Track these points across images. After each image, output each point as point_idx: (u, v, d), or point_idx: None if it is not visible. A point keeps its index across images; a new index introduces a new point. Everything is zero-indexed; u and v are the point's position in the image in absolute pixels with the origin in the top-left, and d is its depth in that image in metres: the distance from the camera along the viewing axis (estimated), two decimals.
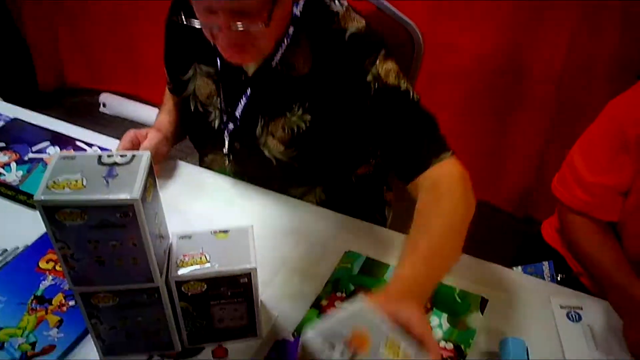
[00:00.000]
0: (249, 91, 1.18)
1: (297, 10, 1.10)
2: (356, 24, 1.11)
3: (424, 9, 1.99)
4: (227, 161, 1.28)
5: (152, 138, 1.25)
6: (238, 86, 1.19)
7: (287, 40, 1.11)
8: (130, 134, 1.25)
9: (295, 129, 1.16)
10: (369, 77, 1.07)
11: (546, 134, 2.18)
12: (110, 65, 2.98)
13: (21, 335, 0.95)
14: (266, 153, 1.20)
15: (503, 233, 2.33)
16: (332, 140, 1.19)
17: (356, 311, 0.78)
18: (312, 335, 0.74)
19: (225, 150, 1.26)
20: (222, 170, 1.32)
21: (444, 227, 0.95)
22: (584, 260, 1.19)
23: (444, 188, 1.01)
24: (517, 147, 2.28)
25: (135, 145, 1.24)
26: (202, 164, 1.39)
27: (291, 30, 1.11)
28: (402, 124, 1.08)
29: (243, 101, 1.19)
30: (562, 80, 2.04)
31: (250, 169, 1.28)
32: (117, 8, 2.73)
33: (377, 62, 1.08)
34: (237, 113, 1.20)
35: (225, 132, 1.23)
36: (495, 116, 2.25)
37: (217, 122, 1.25)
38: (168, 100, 1.40)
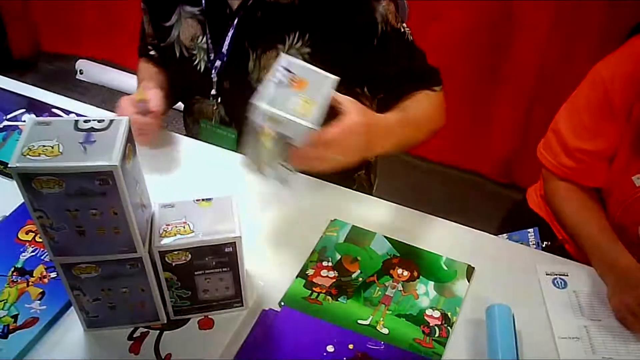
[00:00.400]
0: (235, 23, 1.16)
1: None
2: None
3: None
4: (215, 105, 1.25)
5: (157, 92, 1.18)
6: (223, 21, 1.17)
7: None
8: (125, 99, 1.18)
9: None
10: (377, 16, 1.11)
11: (530, 101, 2.17)
12: (87, 30, 2.90)
13: (2, 308, 0.92)
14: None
15: (488, 200, 2.33)
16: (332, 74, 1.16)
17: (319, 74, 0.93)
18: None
19: (213, 91, 1.23)
20: (208, 122, 1.29)
21: (422, 118, 1.16)
22: (568, 227, 1.19)
23: (431, 101, 1.20)
24: (501, 115, 2.27)
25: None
26: (189, 117, 1.35)
27: None
28: (402, 63, 1.18)
29: (230, 35, 1.17)
30: (547, 47, 2.03)
31: (241, 111, 1.24)
32: None
33: (383, 1, 1.11)
34: (225, 48, 1.18)
35: (213, 71, 1.21)
36: (478, 84, 2.24)
37: (202, 65, 1.22)
38: (146, 70, 1.36)
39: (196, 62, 1.23)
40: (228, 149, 1.26)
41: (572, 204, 1.19)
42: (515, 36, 2.06)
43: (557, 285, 1.02)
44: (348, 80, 1.16)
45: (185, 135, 1.35)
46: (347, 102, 0.94)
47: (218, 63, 1.20)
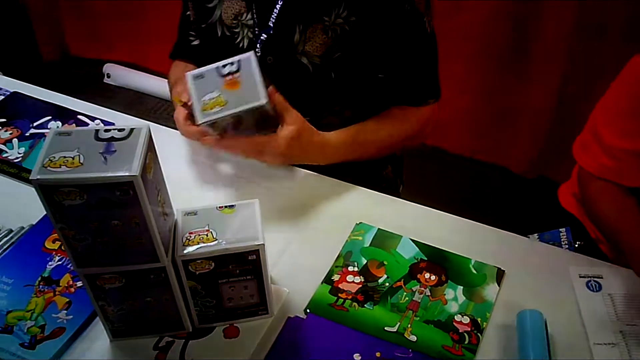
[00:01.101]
0: None
1: None
2: None
3: None
4: None
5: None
6: None
7: None
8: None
9: (339, 30, 1.17)
10: None
11: (557, 93, 2.12)
12: (114, 34, 2.92)
13: (30, 319, 0.93)
14: (304, 61, 1.20)
15: (517, 196, 2.29)
16: (372, 44, 1.20)
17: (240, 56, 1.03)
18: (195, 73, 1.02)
19: None
20: None
21: (381, 141, 1.26)
22: (606, 228, 1.15)
23: (406, 124, 1.27)
24: (528, 107, 2.22)
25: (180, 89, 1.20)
26: None
27: None
28: (411, 52, 1.22)
29: (277, 8, 1.19)
30: (574, 37, 1.98)
31: (281, 88, 1.25)
32: None
33: None
34: (271, 22, 1.20)
35: (258, 45, 1.22)
36: (505, 76, 2.20)
37: (246, 41, 1.24)
38: (178, 70, 1.36)
39: (239, 39, 1.24)
40: None
41: (612, 206, 1.14)
42: (541, 26, 2.02)
43: (591, 288, 0.99)
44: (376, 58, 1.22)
45: None
46: (289, 115, 1.08)
47: (263, 36, 1.21)
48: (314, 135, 1.15)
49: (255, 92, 1.00)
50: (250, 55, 1.02)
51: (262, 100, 0.99)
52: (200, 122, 1.01)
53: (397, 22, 1.18)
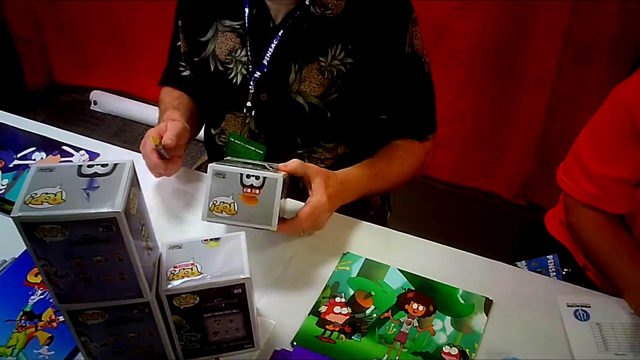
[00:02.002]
0: (279, 35, 1.18)
1: None
2: None
3: None
4: (247, 118, 1.25)
5: (175, 124, 1.17)
6: (266, 33, 1.19)
7: None
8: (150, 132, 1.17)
9: (335, 72, 1.18)
10: (408, 37, 1.18)
11: (545, 117, 2.14)
12: (100, 62, 2.92)
13: (11, 355, 0.91)
14: (300, 100, 1.20)
15: (505, 222, 2.29)
16: (369, 86, 1.21)
17: (269, 175, 0.98)
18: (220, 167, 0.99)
19: (248, 104, 1.24)
20: (237, 135, 1.28)
21: (396, 173, 1.26)
22: (593, 255, 1.15)
23: (413, 156, 1.29)
24: (516, 132, 2.24)
25: (160, 131, 1.15)
26: (214, 132, 1.34)
27: None
28: (413, 94, 1.25)
29: (272, 46, 1.19)
30: (561, 62, 2.00)
31: (275, 125, 1.26)
32: (105, 3, 2.67)
33: (416, 24, 1.19)
34: (265, 60, 1.20)
35: (251, 81, 1.22)
36: (492, 100, 2.21)
37: (239, 77, 1.23)
38: (168, 98, 1.36)
39: (232, 75, 1.24)
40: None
41: (597, 231, 1.15)
42: (529, 51, 2.04)
43: (579, 318, 0.98)
44: (374, 98, 1.24)
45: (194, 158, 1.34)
46: (314, 178, 1.07)
47: (257, 74, 1.21)
48: (337, 176, 1.14)
49: (269, 217, 0.98)
50: (279, 178, 0.98)
51: (273, 227, 0.98)
52: (204, 219, 0.99)
53: (397, 66, 1.20)
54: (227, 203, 0.98)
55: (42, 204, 0.70)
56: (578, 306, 1.00)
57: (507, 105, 2.19)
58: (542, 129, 2.16)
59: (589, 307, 1.00)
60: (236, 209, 0.98)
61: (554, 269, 1.25)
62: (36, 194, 0.71)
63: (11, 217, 0.68)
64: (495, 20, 2.01)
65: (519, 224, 2.17)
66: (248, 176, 0.98)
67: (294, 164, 1.06)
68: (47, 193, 0.71)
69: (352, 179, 1.18)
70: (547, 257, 1.27)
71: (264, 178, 0.98)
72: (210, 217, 0.99)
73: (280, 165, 1.06)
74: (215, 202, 0.98)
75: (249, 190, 0.98)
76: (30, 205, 0.69)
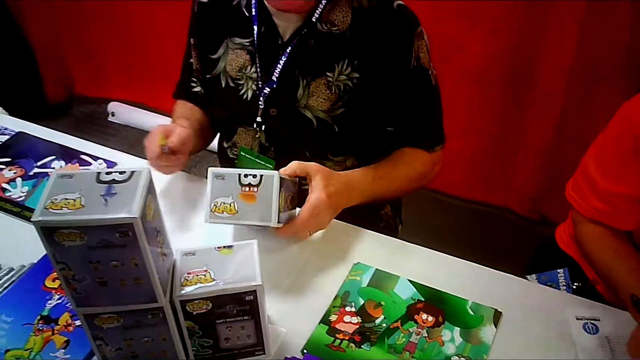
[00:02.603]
0: (288, 51, 1.21)
1: None
2: None
3: (429, 8, 1.97)
4: (257, 133, 1.28)
5: (183, 130, 1.20)
6: (275, 50, 1.22)
7: None
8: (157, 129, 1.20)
9: (342, 87, 1.20)
10: (414, 51, 1.20)
11: (557, 133, 2.15)
12: (119, 74, 2.98)
13: (28, 357, 0.93)
14: (308, 115, 1.22)
15: (517, 236, 2.29)
16: (376, 100, 1.23)
17: (265, 172, 1.00)
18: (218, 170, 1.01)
19: (258, 119, 1.26)
20: (247, 149, 1.31)
21: (402, 176, 1.27)
22: (600, 271, 1.16)
23: (419, 162, 1.30)
24: (528, 147, 2.24)
25: (167, 132, 1.18)
26: (227, 145, 1.37)
27: None
28: (419, 105, 1.27)
29: (281, 63, 1.22)
30: (572, 78, 2.01)
31: (284, 139, 1.28)
32: (124, 16, 2.73)
33: (422, 38, 1.21)
34: (275, 76, 1.22)
35: (261, 97, 1.24)
36: (504, 116, 2.23)
37: (250, 93, 1.26)
38: (181, 109, 1.39)
39: (243, 91, 1.27)
40: None
41: (604, 248, 1.15)
42: (539, 68, 2.05)
43: (588, 331, 0.99)
44: (381, 111, 1.26)
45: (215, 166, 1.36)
46: (314, 176, 1.09)
47: (267, 90, 1.24)
48: (339, 175, 1.16)
49: (268, 213, 1.00)
50: (274, 175, 1.01)
51: (272, 223, 1.00)
52: (207, 221, 1.02)
53: (403, 79, 1.22)
54: (227, 203, 1.01)
55: (61, 209, 0.72)
56: (587, 319, 1.01)
57: (518, 120, 2.20)
58: (553, 144, 2.16)
59: (599, 320, 1.00)
60: (236, 209, 1.01)
61: (564, 283, 1.25)
62: (56, 199, 0.73)
63: (32, 221, 0.71)
64: (505, 37, 2.03)
65: (530, 238, 2.16)
66: (246, 175, 1.01)
67: (293, 165, 1.09)
68: (66, 199, 0.73)
69: (356, 179, 1.19)
70: (558, 270, 1.28)
71: (261, 176, 1.00)
72: (213, 218, 1.01)
73: (281, 169, 1.08)
74: (216, 204, 1.01)
75: (247, 188, 1.00)
76: (50, 210, 0.72)
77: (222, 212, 1.01)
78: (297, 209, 1.14)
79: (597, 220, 1.16)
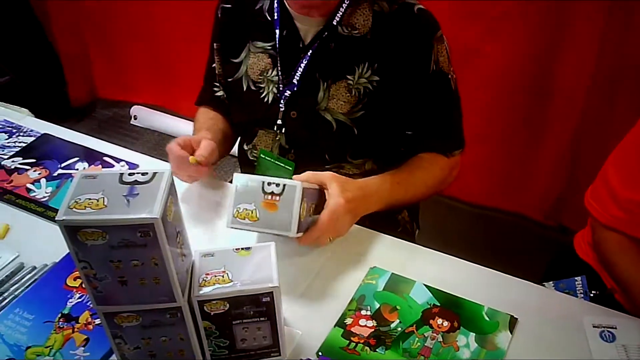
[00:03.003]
0: (309, 54, 1.22)
1: None
2: None
3: (448, 13, 1.97)
4: (277, 135, 1.29)
5: (209, 144, 1.22)
6: (296, 53, 1.24)
7: (347, 1, 1.19)
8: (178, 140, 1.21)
9: (362, 90, 1.21)
10: (434, 54, 1.20)
11: (577, 140, 2.12)
12: (142, 79, 3.02)
13: (48, 354, 0.95)
14: (328, 117, 1.24)
15: (534, 243, 2.27)
16: (396, 104, 1.23)
17: (288, 182, 1.01)
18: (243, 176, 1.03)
19: (279, 121, 1.28)
20: (267, 152, 1.32)
21: (420, 182, 1.27)
22: (618, 278, 1.15)
23: (437, 168, 1.30)
24: (547, 154, 2.23)
25: (187, 147, 1.20)
26: (247, 147, 1.39)
27: None
28: (438, 109, 1.27)
29: (302, 66, 1.23)
30: (592, 85, 1.99)
31: (304, 142, 1.30)
32: (148, 21, 2.77)
33: (442, 42, 1.22)
34: (295, 79, 1.24)
35: (282, 101, 1.26)
36: (522, 122, 2.21)
37: (271, 96, 1.28)
38: (204, 117, 1.41)
39: (264, 94, 1.29)
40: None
41: (623, 256, 1.15)
42: (559, 74, 2.04)
43: (605, 339, 0.98)
44: (400, 115, 1.26)
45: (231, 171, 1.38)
46: (330, 184, 1.10)
47: (287, 93, 1.26)
48: (355, 182, 1.17)
49: (288, 223, 1.01)
50: (297, 185, 1.01)
51: (292, 233, 1.01)
52: (228, 226, 1.04)
53: (423, 83, 1.23)
54: (249, 210, 1.02)
55: (85, 209, 0.74)
56: (604, 327, 1.00)
57: (537, 127, 2.18)
58: (572, 151, 2.15)
59: (615, 328, 1.00)
60: (258, 216, 1.01)
61: (581, 291, 1.25)
62: (80, 199, 0.75)
63: (56, 220, 0.73)
64: (525, 42, 2.02)
65: (546, 246, 2.15)
66: (269, 184, 1.01)
67: (306, 174, 1.09)
68: (90, 199, 0.75)
69: (372, 186, 1.20)
70: (575, 278, 1.27)
71: (284, 185, 1.01)
72: (234, 223, 1.03)
73: (295, 176, 1.09)
74: (239, 209, 1.02)
75: (269, 197, 1.01)
76: (74, 209, 0.74)
77: (244, 219, 1.02)
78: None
79: (616, 228, 1.15)
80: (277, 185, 1.01)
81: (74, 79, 3.05)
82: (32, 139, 1.45)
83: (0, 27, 2.76)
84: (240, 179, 1.03)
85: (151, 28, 2.79)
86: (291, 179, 1.07)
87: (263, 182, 1.01)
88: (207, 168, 1.20)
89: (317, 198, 1.11)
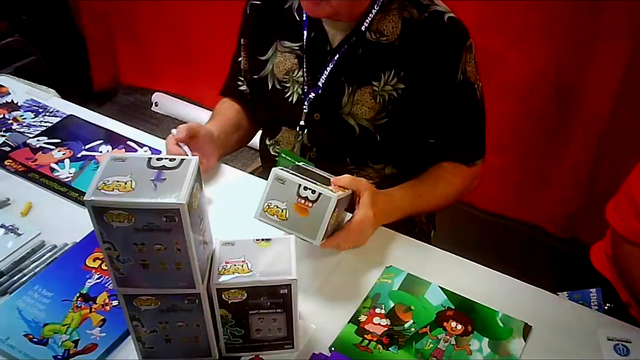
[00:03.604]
0: (336, 58, 1.22)
1: None
2: (444, 7, 1.21)
3: (475, 22, 1.96)
4: (300, 135, 1.30)
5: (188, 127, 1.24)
6: (323, 56, 1.24)
7: (376, 7, 1.18)
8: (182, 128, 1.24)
9: (387, 97, 1.21)
10: (461, 65, 1.19)
11: (595, 154, 2.11)
12: (165, 67, 3.04)
13: (65, 332, 0.97)
14: (351, 122, 1.24)
15: (549, 255, 2.27)
16: (420, 112, 1.23)
17: (324, 192, 0.99)
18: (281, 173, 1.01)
19: (302, 122, 1.28)
20: (288, 152, 1.33)
21: (441, 194, 1.28)
22: (636, 290, 1.15)
23: (459, 179, 1.30)
24: (566, 167, 2.21)
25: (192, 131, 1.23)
26: (269, 143, 1.40)
27: None
28: (463, 118, 1.27)
29: (328, 69, 1.23)
30: (617, 99, 1.97)
31: (326, 143, 1.30)
32: (174, 11, 2.79)
33: (470, 51, 1.21)
34: (321, 82, 1.24)
35: (306, 102, 1.26)
36: (543, 134, 2.20)
37: (295, 97, 1.28)
38: (218, 110, 1.43)
39: (288, 94, 1.29)
40: None
41: None
42: (583, 87, 2.02)
43: (619, 352, 0.98)
44: (424, 123, 1.26)
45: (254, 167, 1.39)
46: (363, 193, 1.09)
47: (312, 95, 1.26)
48: (383, 194, 1.17)
49: (316, 231, 1.00)
50: (332, 197, 0.99)
51: (317, 242, 1.00)
52: (256, 217, 1.03)
53: (449, 92, 1.22)
54: (280, 208, 1.01)
55: (113, 191, 0.75)
56: (619, 340, 1.00)
57: (558, 139, 2.17)
58: (592, 164, 2.13)
59: (630, 342, 0.99)
60: (287, 216, 1.01)
61: (596, 303, 1.24)
62: (108, 180, 0.76)
63: (84, 200, 0.74)
64: (551, 54, 2.01)
65: (561, 258, 2.15)
66: (305, 188, 1.00)
67: (346, 179, 1.09)
68: (118, 181, 0.76)
69: (396, 198, 1.20)
70: (590, 290, 1.27)
71: (320, 194, 1.00)
72: (262, 216, 1.03)
73: (333, 179, 1.09)
74: (270, 204, 1.02)
75: (302, 201, 1.00)
76: (102, 191, 0.75)
77: (273, 215, 1.01)
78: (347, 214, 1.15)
79: (635, 241, 1.14)
80: (313, 192, 1.00)
81: (98, 63, 3.08)
82: (58, 119, 1.46)
83: (31, 10, 2.79)
84: (278, 175, 1.02)
85: (177, 18, 2.81)
86: (329, 182, 1.07)
87: (299, 186, 1.00)
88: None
89: (347, 202, 1.11)
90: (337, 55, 1.22)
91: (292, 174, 1.02)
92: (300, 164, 1.29)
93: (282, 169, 1.03)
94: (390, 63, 1.21)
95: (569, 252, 2.25)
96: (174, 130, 1.24)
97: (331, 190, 1.01)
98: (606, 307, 1.25)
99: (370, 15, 1.19)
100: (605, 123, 2.03)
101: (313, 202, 1.00)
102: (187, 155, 1.18)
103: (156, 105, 3.08)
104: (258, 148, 1.48)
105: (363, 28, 1.19)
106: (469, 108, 1.27)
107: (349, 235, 1.08)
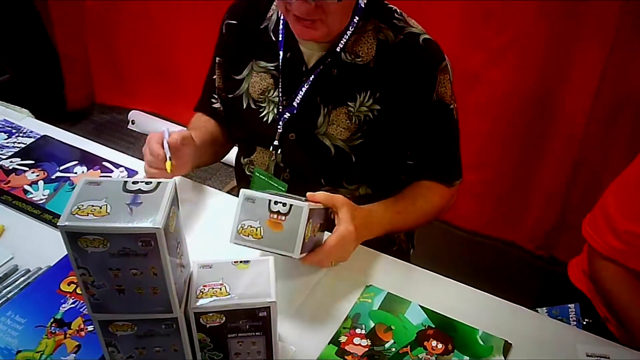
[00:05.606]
0: (311, 78, 1.22)
1: (362, 2, 1.19)
2: (420, 28, 1.22)
3: (450, 39, 1.98)
4: (274, 156, 1.29)
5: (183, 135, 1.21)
6: (298, 76, 1.24)
7: (352, 28, 1.19)
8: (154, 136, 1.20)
9: (362, 118, 1.21)
10: (437, 85, 1.20)
11: (572, 171, 2.13)
12: (141, 85, 3.02)
13: (39, 359, 0.94)
14: (326, 142, 1.23)
15: (525, 272, 2.28)
16: (395, 133, 1.23)
17: (295, 202, 0.99)
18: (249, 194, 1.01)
19: (275, 142, 1.27)
20: (262, 171, 1.32)
21: (420, 212, 1.28)
22: (615, 308, 1.16)
23: (437, 197, 1.31)
24: (542, 186, 2.23)
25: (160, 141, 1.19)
26: (243, 163, 1.39)
27: (356, 19, 1.19)
28: (439, 140, 1.28)
29: (304, 89, 1.23)
30: (591, 117, 2.00)
31: (300, 163, 1.29)
32: (149, 29, 2.78)
33: (446, 72, 1.21)
34: (296, 102, 1.23)
35: (280, 122, 1.26)
36: (519, 151, 2.22)
37: (270, 116, 1.28)
38: (195, 122, 1.43)
39: (263, 113, 1.29)
40: None
41: (619, 285, 1.15)
42: (559, 104, 2.05)
43: None
44: (399, 144, 1.26)
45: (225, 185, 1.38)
46: (341, 208, 1.09)
47: (287, 115, 1.25)
48: (362, 209, 1.17)
49: (292, 244, 0.99)
50: (304, 207, 0.98)
51: (296, 254, 0.99)
52: (231, 242, 1.02)
53: (424, 114, 1.23)
54: (254, 227, 1.00)
55: (87, 215, 0.74)
56: (597, 356, 1.00)
57: (533, 157, 2.19)
58: (569, 182, 2.15)
59: (608, 358, 1.00)
60: (262, 234, 1.00)
61: (574, 318, 1.25)
62: (83, 205, 0.75)
63: (58, 225, 0.72)
64: (526, 72, 2.03)
65: (539, 275, 2.16)
66: (276, 202, 1.00)
67: (321, 195, 1.09)
68: (93, 205, 0.75)
69: (375, 214, 1.20)
70: (569, 305, 1.28)
71: (291, 205, 1.00)
72: (238, 239, 1.01)
73: (308, 194, 1.09)
74: (243, 226, 1.01)
75: (275, 216, 1.00)
76: (76, 215, 0.74)
77: (248, 235, 1.00)
78: (325, 234, 1.14)
79: (613, 258, 1.16)
80: (284, 205, 0.99)
81: (73, 81, 3.04)
82: (32, 140, 1.44)
83: (3, 26, 2.75)
84: (247, 194, 1.01)
85: (152, 35, 2.80)
86: (304, 197, 1.07)
87: (270, 201, 1.00)
88: (177, 167, 1.18)
89: (324, 216, 1.11)
90: (313, 76, 1.22)
91: (260, 192, 1.02)
92: (274, 184, 1.29)
93: (249, 190, 1.02)
94: (365, 84, 1.21)
95: (547, 268, 2.27)
96: (167, 130, 1.21)
97: (303, 201, 1.01)
98: (584, 323, 1.26)
99: (345, 36, 1.19)
100: (581, 142, 2.05)
101: (285, 214, 0.99)
102: (167, 156, 1.16)
103: (132, 124, 3.05)
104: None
105: (338, 49, 1.20)
106: (444, 128, 1.27)
107: (331, 251, 1.07)
